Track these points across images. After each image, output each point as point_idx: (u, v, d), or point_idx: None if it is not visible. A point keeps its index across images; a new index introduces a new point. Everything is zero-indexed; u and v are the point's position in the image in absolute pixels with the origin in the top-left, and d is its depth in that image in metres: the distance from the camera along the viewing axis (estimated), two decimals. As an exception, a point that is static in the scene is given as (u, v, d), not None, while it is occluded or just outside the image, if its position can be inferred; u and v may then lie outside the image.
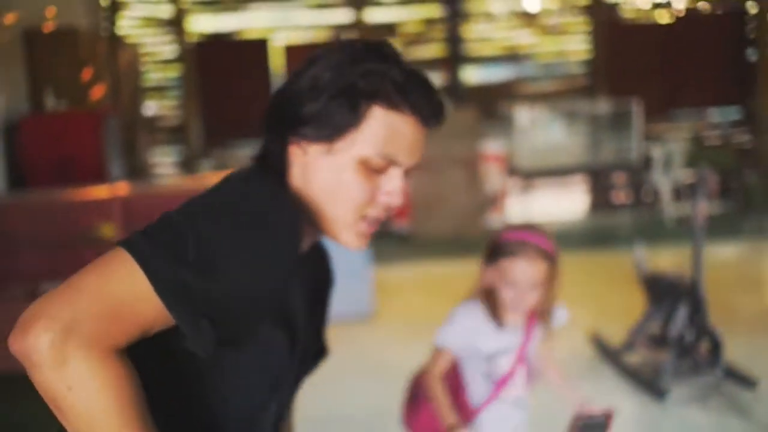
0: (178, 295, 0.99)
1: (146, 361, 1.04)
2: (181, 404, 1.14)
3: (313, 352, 1.38)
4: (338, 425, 3.89)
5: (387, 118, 1.14)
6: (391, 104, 1.14)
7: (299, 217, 1.12)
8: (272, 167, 1.19)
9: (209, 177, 6.30)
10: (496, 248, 2.16)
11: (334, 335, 5.26)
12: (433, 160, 7.82)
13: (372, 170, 1.16)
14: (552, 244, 2.13)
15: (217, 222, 1.04)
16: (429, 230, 7.84)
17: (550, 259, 2.10)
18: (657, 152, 8.30)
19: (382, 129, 1.14)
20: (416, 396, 2.31)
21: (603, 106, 8.53)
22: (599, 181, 8.95)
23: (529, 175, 8.37)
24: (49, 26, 6.41)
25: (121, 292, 0.97)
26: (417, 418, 2.30)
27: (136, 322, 0.98)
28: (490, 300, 2.17)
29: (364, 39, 1.20)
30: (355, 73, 1.13)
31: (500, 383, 2.18)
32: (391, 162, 1.16)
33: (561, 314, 2.26)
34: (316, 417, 3.99)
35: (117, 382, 0.96)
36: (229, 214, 1.05)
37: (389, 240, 7.99)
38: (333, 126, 1.13)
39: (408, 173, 1.20)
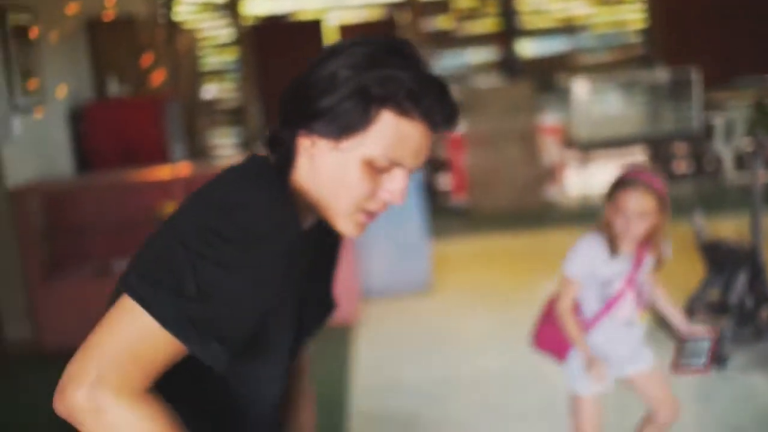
0: (186, 328, 1.06)
1: (171, 377, 1.12)
2: (204, 411, 1.23)
3: (322, 310, 1.43)
4: (398, 394, 3.97)
5: (396, 123, 1.16)
6: (402, 111, 1.16)
7: (295, 217, 1.15)
8: (277, 156, 1.23)
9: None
10: (613, 185, 2.52)
11: (393, 307, 5.36)
12: (490, 135, 7.82)
13: (376, 170, 1.18)
14: (661, 184, 2.48)
15: (212, 245, 1.08)
16: (487, 204, 7.84)
17: (658, 194, 2.45)
18: (718, 121, 8.15)
19: (390, 133, 1.16)
20: (547, 318, 2.69)
21: (661, 75, 8.40)
22: (659, 151, 8.82)
23: (587, 147, 8.30)
24: (109, 15, 6.58)
25: (134, 337, 1.06)
26: (546, 338, 2.71)
27: (156, 359, 1.07)
28: (608, 231, 2.50)
29: (388, 38, 1.22)
30: (371, 77, 1.15)
31: (610, 303, 2.54)
32: (395, 164, 1.19)
33: (667, 248, 2.59)
34: (376, 386, 4.08)
35: (151, 420, 1.05)
36: (223, 233, 1.08)
37: (448, 214, 8.02)
38: (343, 125, 1.16)
39: (411, 172, 1.22)
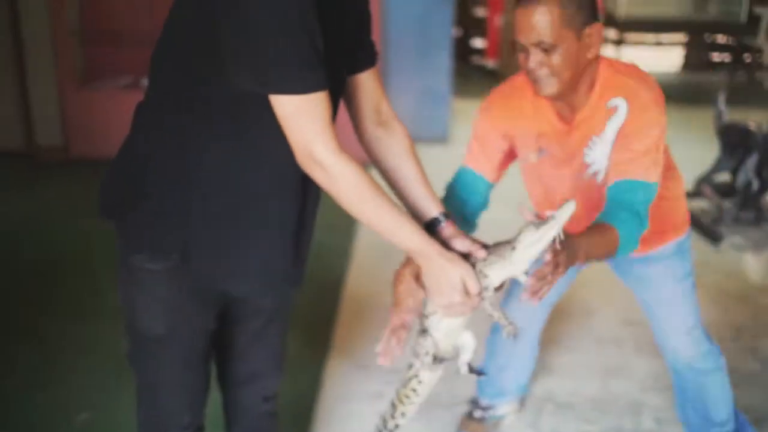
0: (317, 78, 1.30)
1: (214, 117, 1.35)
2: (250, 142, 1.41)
3: (359, 59, 1.57)
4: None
5: None
6: None
7: None
8: None
9: None
10: None
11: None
12: (530, -1, 7.70)
13: None
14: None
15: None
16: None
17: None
18: (765, 13, 7.98)
19: None
20: None
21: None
22: (699, 38, 8.69)
23: (628, 25, 8.17)
24: None
25: (305, 111, 1.32)
26: None
27: (325, 114, 1.33)
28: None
29: None
30: None
31: None
32: None
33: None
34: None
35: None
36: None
37: (477, 72, 8.03)
38: None
39: None
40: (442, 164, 5.44)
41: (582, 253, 1.53)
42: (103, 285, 3.30)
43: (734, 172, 4.19)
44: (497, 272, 1.48)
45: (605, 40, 8.39)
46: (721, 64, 8.76)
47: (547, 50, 1.68)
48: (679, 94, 7.75)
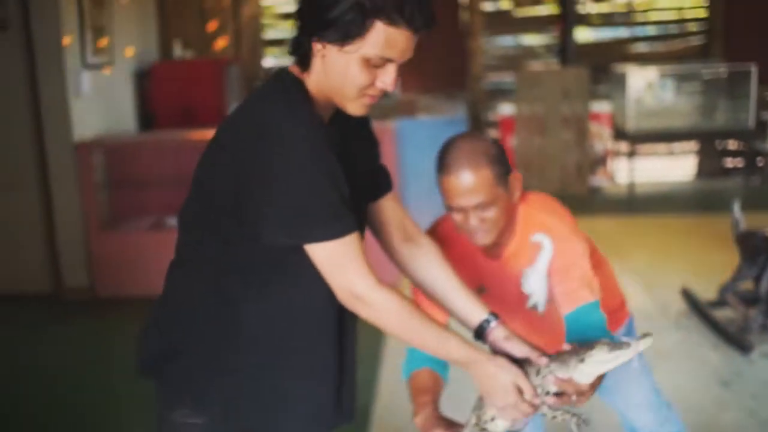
0: (341, 224, 1.42)
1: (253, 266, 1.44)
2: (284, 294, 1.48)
3: (376, 187, 1.71)
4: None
5: (386, 31, 1.45)
6: (391, 21, 1.45)
7: (310, 110, 1.48)
8: (298, 57, 1.54)
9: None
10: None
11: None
12: (541, 118, 7.90)
13: (372, 66, 1.49)
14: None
15: (279, 165, 1.40)
16: (533, 186, 7.92)
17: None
18: (773, 118, 8.09)
19: (382, 39, 1.46)
20: None
21: (718, 68, 8.35)
22: (710, 146, 8.80)
23: (638, 137, 8.32)
24: (178, -20, 6.81)
25: (338, 255, 1.45)
26: None
27: (358, 254, 1.45)
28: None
29: None
30: None
31: None
32: (387, 61, 1.49)
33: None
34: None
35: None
36: (275, 151, 1.40)
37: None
38: (346, 33, 1.45)
39: (400, 67, 1.53)
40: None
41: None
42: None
43: (757, 279, 4.18)
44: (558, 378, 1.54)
45: (619, 153, 8.52)
46: (735, 169, 8.83)
47: (485, 208, 1.81)
48: (695, 201, 7.81)
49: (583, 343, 1.56)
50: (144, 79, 6.12)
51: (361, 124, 1.68)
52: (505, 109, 8.23)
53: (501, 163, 1.82)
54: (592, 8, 8.71)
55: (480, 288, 1.97)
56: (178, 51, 6.59)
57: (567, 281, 1.85)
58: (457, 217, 1.84)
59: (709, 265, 5.21)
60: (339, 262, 1.41)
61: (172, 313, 1.52)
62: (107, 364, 4.08)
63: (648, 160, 9.11)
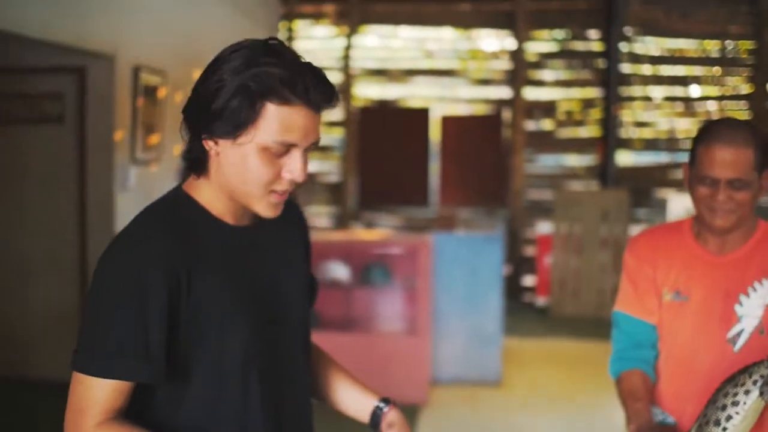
0: (115, 368, 1.33)
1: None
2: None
3: (306, 288, 1.60)
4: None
5: (279, 112, 1.33)
6: (282, 100, 1.33)
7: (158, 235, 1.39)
8: (188, 163, 1.44)
9: (356, 233, 6.64)
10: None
11: (461, 395, 5.39)
12: (579, 237, 7.88)
13: (273, 155, 1.36)
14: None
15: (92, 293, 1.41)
16: (568, 307, 7.86)
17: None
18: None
19: (276, 122, 1.33)
20: None
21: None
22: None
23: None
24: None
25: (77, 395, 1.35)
26: None
27: (100, 401, 1.34)
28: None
29: (262, 40, 1.39)
30: (248, 76, 1.32)
31: None
32: (289, 146, 1.36)
33: None
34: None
35: None
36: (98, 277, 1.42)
37: (527, 312, 8.05)
38: (235, 122, 1.33)
39: (308, 151, 1.40)
40: (495, 408, 5.35)
41: None
42: None
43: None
44: None
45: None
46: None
47: (738, 188, 1.80)
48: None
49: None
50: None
51: (297, 227, 1.62)
52: (544, 228, 8.23)
53: (763, 153, 1.83)
54: (634, 133, 8.79)
55: (677, 292, 1.92)
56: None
57: None
58: (706, 191, 1.84)
59: None
60: (81, 397, 1.34)
61: None
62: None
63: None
